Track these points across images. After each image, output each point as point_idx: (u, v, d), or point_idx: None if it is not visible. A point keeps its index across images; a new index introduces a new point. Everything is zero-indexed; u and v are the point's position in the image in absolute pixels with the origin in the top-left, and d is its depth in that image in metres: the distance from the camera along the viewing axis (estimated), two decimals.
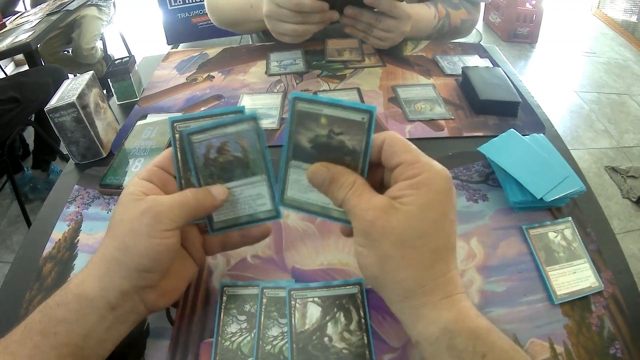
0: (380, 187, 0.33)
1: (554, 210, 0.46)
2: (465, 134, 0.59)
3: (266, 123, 0.62)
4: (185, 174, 0.37)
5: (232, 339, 0.36)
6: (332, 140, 0.33)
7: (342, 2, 0.67)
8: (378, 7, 0.66)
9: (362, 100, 0.65)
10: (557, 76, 2.55)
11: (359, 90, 0.68)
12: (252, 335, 0.36)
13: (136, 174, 0.35)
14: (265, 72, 0.75)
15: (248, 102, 0.67)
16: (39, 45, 1.88)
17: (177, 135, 0.36)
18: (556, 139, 0.56)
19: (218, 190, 0.35)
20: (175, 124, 0.36)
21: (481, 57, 0.77)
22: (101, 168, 0.55)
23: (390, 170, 0.32)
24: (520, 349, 0.28)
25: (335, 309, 0.37)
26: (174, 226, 0.32)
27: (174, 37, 1.29)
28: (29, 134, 1.89)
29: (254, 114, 0.35)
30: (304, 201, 0.35)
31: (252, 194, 0.37)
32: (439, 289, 0.29)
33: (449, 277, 0.29)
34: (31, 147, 1.86)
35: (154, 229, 0.31)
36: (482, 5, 0.90)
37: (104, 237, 0.33)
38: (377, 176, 0.34)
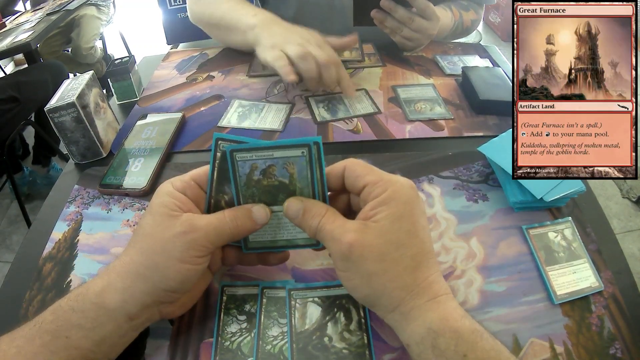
0: (349, 213, 0.35)
1: (554, 210, 0.46)
2: (465, 134, 0.59)
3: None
4: (217, 196, 0.35)
5: (232, 339, 0.36)
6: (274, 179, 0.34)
7: None
8: (415, 3, 0.67)
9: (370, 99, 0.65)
10: None
11: (366, 90, 0.68)
12: (252, 335, 0.36)
13: (171, 182, 0.34)
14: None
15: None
16: (38, 45, 1.88)
17: (218, 154, 0.34)
18: None
19: (260, 213, 0.34)
20: (219, 142, 0.34)
21: (481, 57, 0.77)
22: (101, 168, 0.55)
23: (357, 194, 0.33)
24: (505, 350, 0.29)
25: (335, 309, 0.37)
26: (207, 252, 0.32)
27: (174, 37, 1.29)
28: (29, 134, 1.89)
29: (315, 139, 0.32)
30: (268, 241, 0.36)
31: None
32: (424, 292, 0.30)
33: (432, 279, 0.31)
34: (31, 146, 1.86)
35: (187, 254, 0.31)
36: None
37: (129, 247, 0.33)
38: (343, 204, 0.36)
